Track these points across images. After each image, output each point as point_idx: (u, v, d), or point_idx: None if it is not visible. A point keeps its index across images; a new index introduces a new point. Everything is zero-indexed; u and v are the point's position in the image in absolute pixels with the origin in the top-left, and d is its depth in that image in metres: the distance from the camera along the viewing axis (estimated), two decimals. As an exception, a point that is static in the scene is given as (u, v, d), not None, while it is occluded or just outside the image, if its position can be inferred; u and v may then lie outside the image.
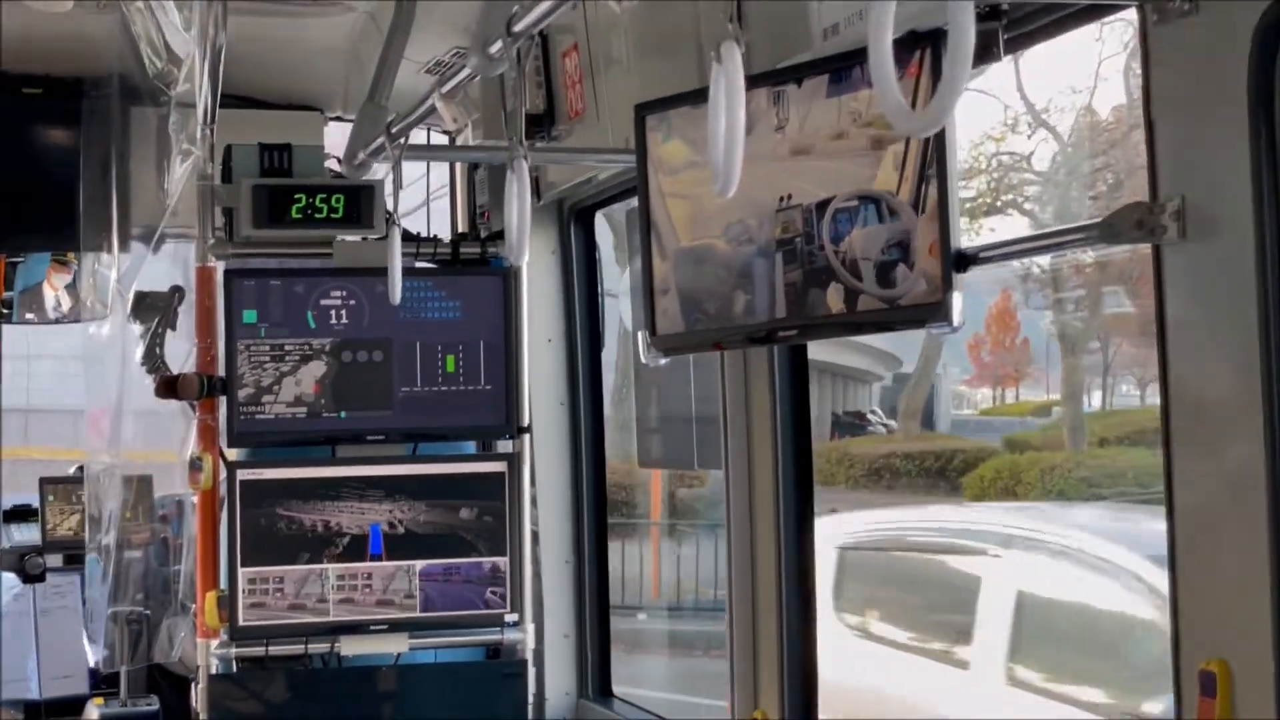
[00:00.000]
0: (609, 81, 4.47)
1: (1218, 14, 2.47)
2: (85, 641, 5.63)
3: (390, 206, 3.95)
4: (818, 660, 4.10)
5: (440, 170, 6.26)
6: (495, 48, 2.73)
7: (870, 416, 20.09)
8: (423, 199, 6.18)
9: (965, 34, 1.45)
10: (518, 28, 2.64)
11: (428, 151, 5.58)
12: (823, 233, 3.17)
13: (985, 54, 2.85)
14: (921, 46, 2.90)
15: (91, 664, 5.63)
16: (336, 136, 6.06)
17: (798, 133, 3.19)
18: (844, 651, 7.89)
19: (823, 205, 3.17)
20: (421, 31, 4.42)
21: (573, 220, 5.40)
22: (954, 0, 1.43)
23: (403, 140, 3.65)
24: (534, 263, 5.27)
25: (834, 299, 3.15)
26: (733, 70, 1.75)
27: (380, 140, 3.67)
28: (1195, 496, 2.59)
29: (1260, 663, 2.44)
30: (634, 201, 5.02)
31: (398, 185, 3.70)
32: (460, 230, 5.94)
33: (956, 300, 2.89)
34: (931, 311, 2.95)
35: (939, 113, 1.47)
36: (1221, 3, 2.46)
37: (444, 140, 5.84)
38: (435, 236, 5.26)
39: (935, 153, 2.92)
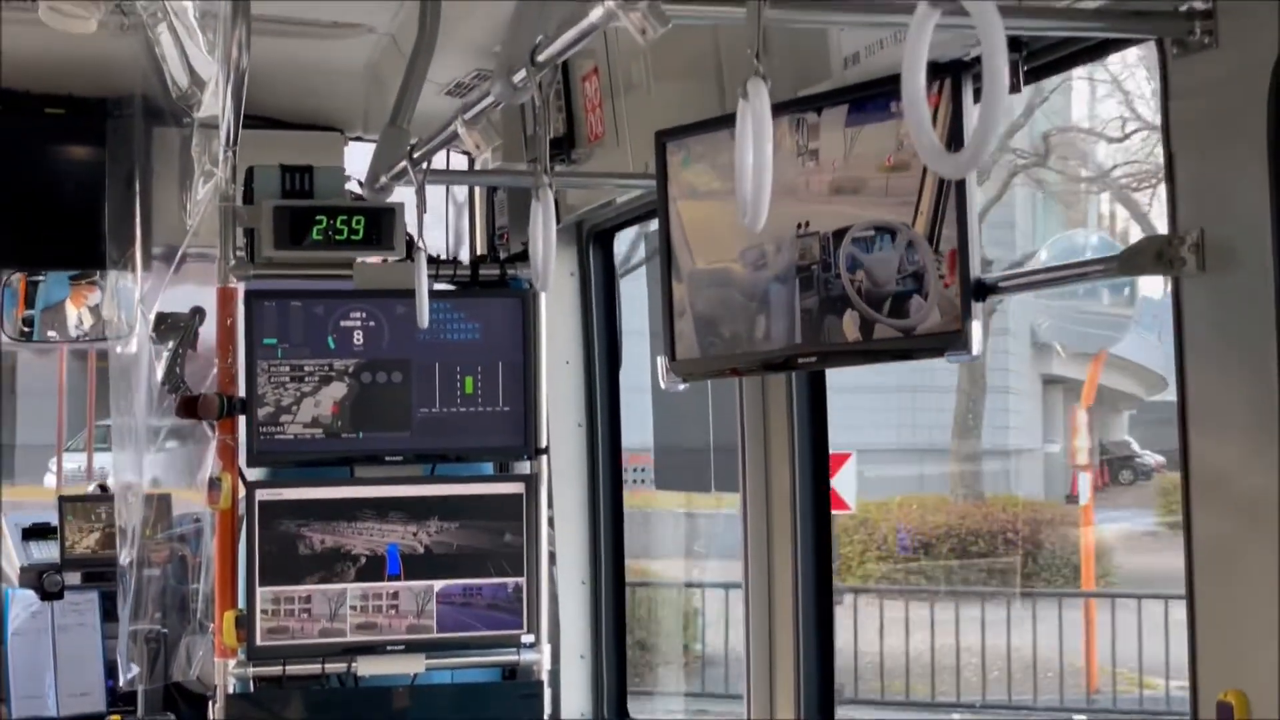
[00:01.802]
0: (629, 105, 4.49)
1: (1238, 47, 2.48)
2: (119, 660, 5.64)
3: (413, 229, 3.97)
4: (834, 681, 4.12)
5: (458, 191, 6.28)
6: (519, 76, 2.75)
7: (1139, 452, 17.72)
8: (438, 220, 6.21)
9: (999, 80, 1.47)
10: (541, 57, 2.65)
11: (451, 176, 5.59)
12: (839, 261, 3.19)
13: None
14: (940, 78, 2.92)
15: (124, 682, 5.65)
16: (356, 157, 6.09)
17: (816, 161, 3.21)
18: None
19: (840, 234, 3.19)
20: (442, 54, 4.44)
21: (592, 242, 5.42)
22: (991, 55, 1.44)
23: (425, 164, 3.66)
24: (553, 284, 5.28)
25: (850, 327, 3.17)
26: (760, 106, 1.77)
27: (403, 164, 3.69)
28: (1214, 527, 2.60)
29: (1277, 694, 2.45)
30: (653, 224, 5.06)
31: (421, 209, 3.72)
32: (479, 252, 5.96)
33: (976, 329, 2.91)
34: (950, 340, 2.97)
35: (974, 156, 1.49)
36: (1241, 36, 2.47)
37: (463, 161, 5.86)
38: (455, 259, 5.28)
39: (954, 184, 2.94)
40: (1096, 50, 2.96)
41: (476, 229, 6.08)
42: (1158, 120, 2.66)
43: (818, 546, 4.01)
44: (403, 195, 4.59)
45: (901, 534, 15.78)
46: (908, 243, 3.05)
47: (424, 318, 3.70)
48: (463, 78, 5.27)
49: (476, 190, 6.07)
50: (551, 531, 5.30)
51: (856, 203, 3.15)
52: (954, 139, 2.89)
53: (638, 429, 6.41)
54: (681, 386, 3.53)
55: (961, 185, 2.92)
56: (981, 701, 13.20)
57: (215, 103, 4.70)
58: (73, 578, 6.12)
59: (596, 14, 2.34)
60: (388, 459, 4.99)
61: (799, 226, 3.28)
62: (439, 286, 5.14)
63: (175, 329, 5.00)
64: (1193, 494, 2.62)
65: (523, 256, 5.25)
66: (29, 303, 6.30)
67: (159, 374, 5.01)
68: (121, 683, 5.77)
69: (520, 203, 5.43)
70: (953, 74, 2.89)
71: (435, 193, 5.95)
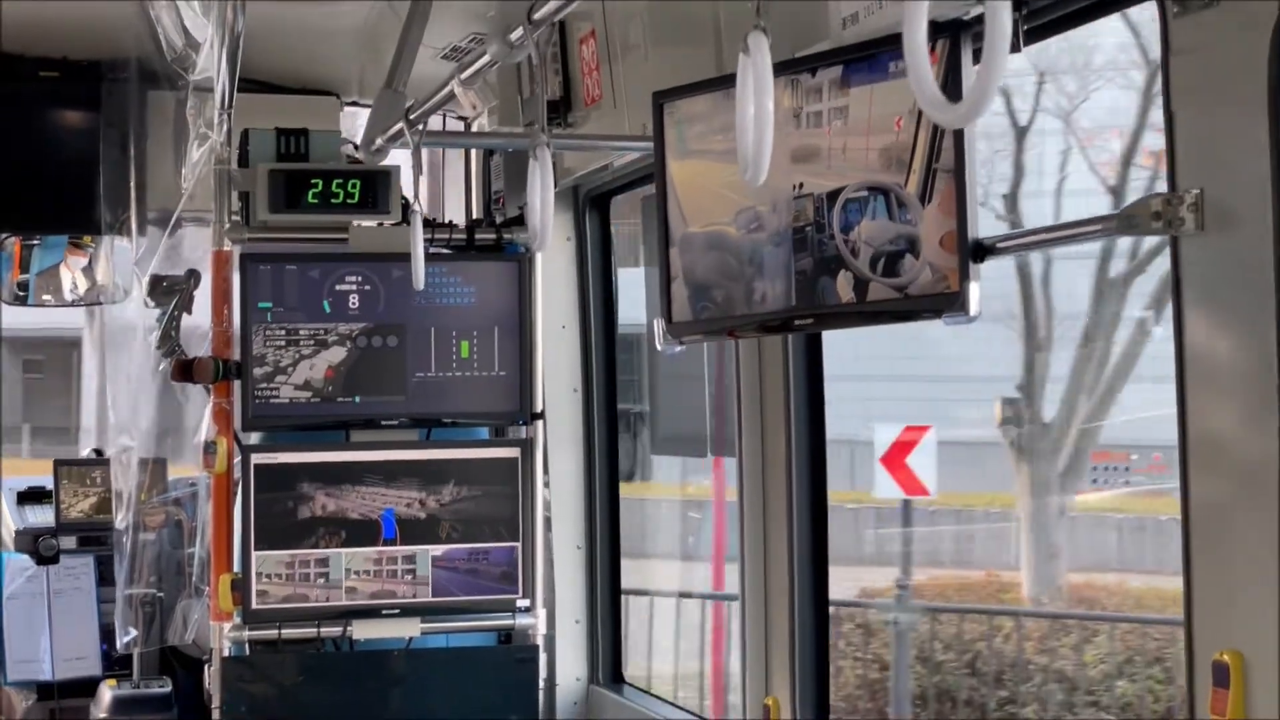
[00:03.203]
0: (626, 68, 4.47)
1: (1238, 7, 2.47)
2: (116, 623, 5.65)
3: (410, 192, 3.96)
4: (829, 649, 4.12)
5: (454, 155, 6.27)
6: (515, 35, 2.74)
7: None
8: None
9: (1002, 28, 1.46)
10: (538, 15, 2.64)
11: (447, 138, 5.58)
12: (833, 222, 3.18)
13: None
14: (939, 37, 2.90)
15: (121, 646, 5.66)
16: (350, 121, 6.08)
17: (813, 122, 3.20)
18: None
19: (834, 194, 3.18)
20: (438, 17, 4.41)
21: (588, 206, 5.40)
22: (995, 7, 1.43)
23: (422, 127, 3.65)
24: (549, 248, 5.27)
25: (844, 287, 3.17)
26: (760, 60, 1.76)
27: (399, 126, 3.68)
28: (1210, 488, 2.60)
29: (1274, 654, 2.45)
30: (649, 189, 5.04)
31: (417, 171, 3.71)
32: (475, 215, 5.95)
33: (974, 290, 2.90)
34: (948, 301, 2.96)
35: (976, 105, 1.48)
36: (1242, -5, 2.46)
37: (459, 125, 5.84)
38: (451, 222, 5.27)
39: (953, 143, 2.93)
40: (1096, 9, 2.94)
41: (472, 193, 6.07)
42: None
43: (814, 505, 4.01)
44: (398, 158, 4.59)
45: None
46: (900, 202, 3.05)
47: (420, 280, 3.69)
48: (459, 41, 5.25)
49: (472, 154, 6.06)
50: (547, 496, 5.30)
51: (851, 163, 3.14)
52: (952, 100, 2.88)
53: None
54: (678, 348, 3.53)
55: (960, 144, 2.91)
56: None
57: (210, 66, 4.69)
58: (68, 542, 6.13)
59: (594, -30, 2.33)
60: (383, 423, 4.99)
61: (794, 188, 3.27)
62: (435, 250, 5.13)
63: (170, 292, 4.98)
64: (1190, 455, 2.62)
65: (519, 220, 5.24)
66: (24, 267, 6.29)
67: (154, 337, 5.00)
68: (119, 647, 5.77)
69: (516, 167, 5.41)
70: (951, 34, 2.87)
71: (429, 156, 5.94)
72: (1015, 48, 2.81)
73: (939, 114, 1.53)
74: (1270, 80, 2.44)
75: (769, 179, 3.28)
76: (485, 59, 2.97)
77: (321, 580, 4.84)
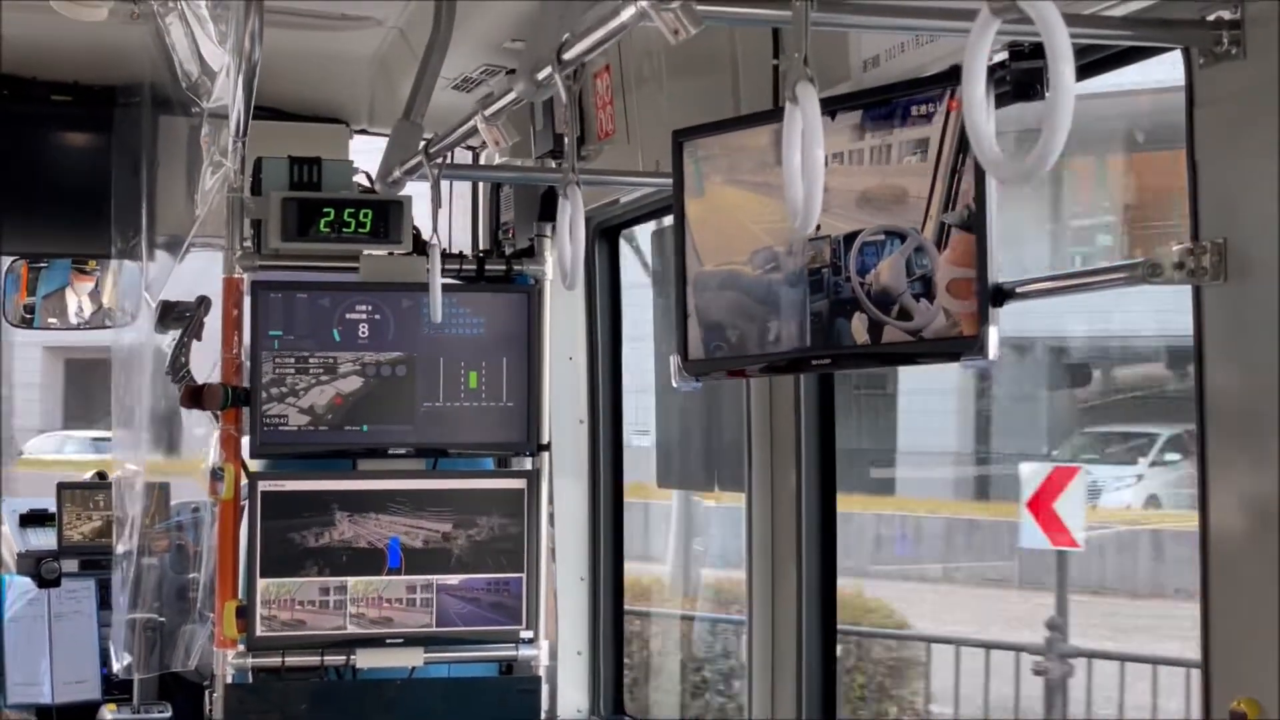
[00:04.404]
0: (640, 102, 4.50)
1: (1265, 58, 2.49)
2: (111, 649, 5.63)
3: (428, 225, 3.97)
4: (837, 684, 4.13)
5: (460, 185, 6.27)
6: (544, 74, 2.76)
7: None
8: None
9: (1066, 84, 1.48)
10: (568, 55, 2.66)
11: (468, 171, 5.59)
12: (849, 264, 3.20)
13: (1027, 92, 2.89)
14: (959, 82, 2.92)
15: (117, 670, 5.64)
16: (361, 149, 6.09)
17: (830, 164, 3.22)
18: None
19: (850, 237, 3.21)
20: (451, 48, 4.44)
21: (598, 239, 5.42)
22: (1056, 59, 1.45)
23: (441, 160, 3.67)
24: (557, 280, 5.29)
25: (859, 330, 3.19)
26: (810, 110, 1.78)
27: (418, 160, 3.70)
28: (1230, 535, 2.62)
29: (1293, 703, 2.46)
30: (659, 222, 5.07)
31: (436, 205, 3.72)
32: (483, 245, 5.96)
33: (993, 334, 2.92)
34: (966, 345, 2.99)
35: (1040, 162, 1.49)
36: (1269, 47, 2.48)
37: (466, 154, 5.86)
38: (461, 253, 5.28)
39: (972, 189, 2.95)
40: (1122, 58, 2.97)
41: (480, 224, 6.08)
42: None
43: (823, 551, 4.03)
44: (410, 189, 4.60)
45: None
46: (916, 247, 3.07)
47: (437, 312, 3.71)
48: (471, 72, 5.28)
49: (480, 185, 6.07)
50: (551, 529, 5.31)
51: (869, 207, 3.16)
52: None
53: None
54: (695, 385, 3.54)
55: (981, 190, 2.93)
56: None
57: (226, 94, 4.70)
58: (70, 565, 6.11)
59: (628, 13, 2.35)
60: (390, 452, 5.00)
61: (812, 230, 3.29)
62: (445, 280, 5.14)
63: (181, 318, 4.99)
64: (1210, 501, 2.64)
65: (528, 252, 5.26)
66: (30, 289, 6.29)
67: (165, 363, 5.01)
68: (114, 671, 5.76)
69: (525, 198, 5.43)
70: (975, 79, 2.89)
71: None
72: (1040, 95, 2.83)
73: (1000, 171, 1.54)
74: (1294, 132, 2.47)
75: (787, 219, 3.33)
76: (511, 96, 2.98)
77: (326, 608, 4.84)
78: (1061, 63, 1.47)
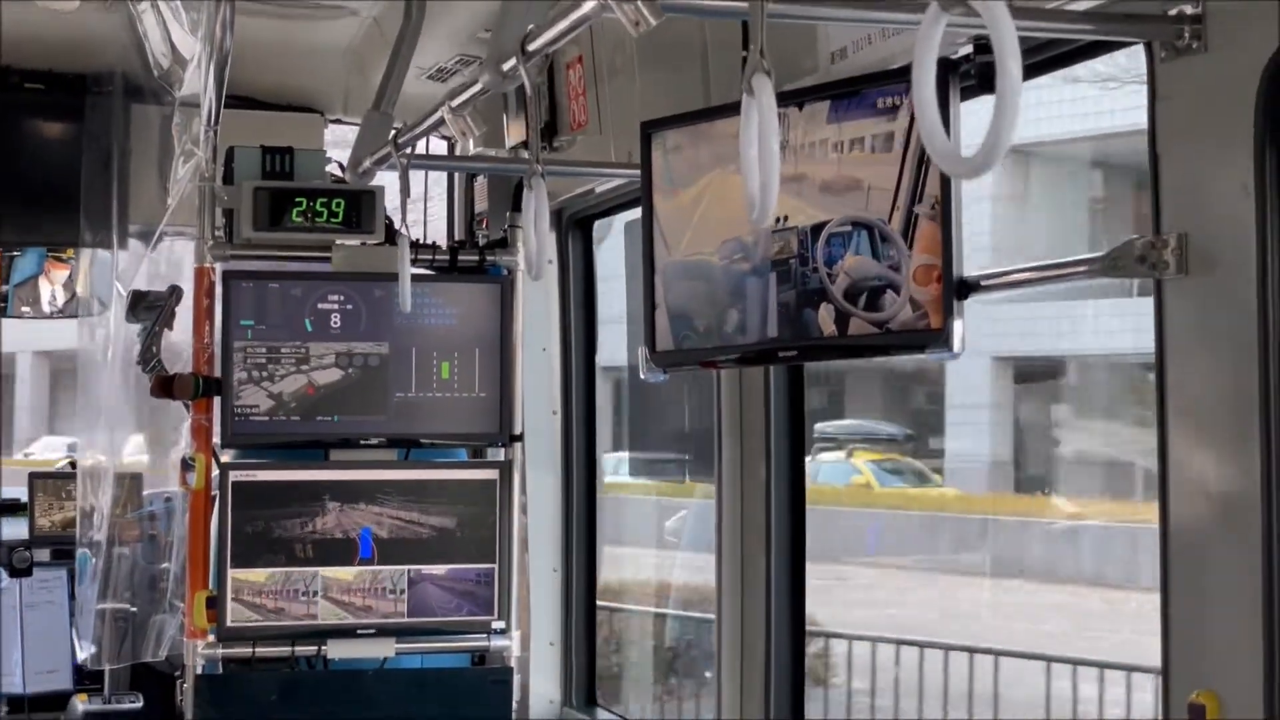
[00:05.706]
0: (612, 93, 4.49)
1: (1226, 52, 2.50)
2: (74, 637, 5.62)
3: (397, 215, 3.97)
4: (804, 675, 4.14)
5: (435, 176, 6.27)
6: (509, 65, 2.75)
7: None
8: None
9: (1013, 81, 1.48)
10: (532, 46, 2.66)
11: (437, 161, 5.58)
12: (817, 255, 3.21)
13: (989, 85, 2.89)
14: (930, 75, 2.92)
15: (80, 660, 5.63)
16: (337, 139, 6.08)
17: (797, 155, 3.22)
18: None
19: (818, 228, 3.21)
20: (425, 38, 4.44)
21: (571, 229, 5.42)
22: (1004, 56, 1.45)
23: (410, 150, 3.66)
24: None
25: (825, 321, 3.19)
26: (765, 103, 1.78)
27: (387, 149, 3.69)
28: (1190, 528, 2.62)
29: (1250, 696, 2.47)
30: (633, 214, 5.06)
31: (404, 194, 3.71)
32: (456, 235, 5.95)
33: (958, 327, 2.93)
34: (931, 337, 2.99)
35: (988, 158, 1.49)
36: (1230, 41, 2.49)
37: (442, 145, 5.85)
38: (434, 243, 5.27)
39: (938, 181, 2.95)
40: (1084, 52, 2.97)
41: (455, 213, 6.07)
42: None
43: (793, 541, 4.03)
44: (383, 177, 4.60)
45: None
46: (883, 238, 3.07)
47: (407, 302, 3.70)
48: (445, 63, 5.27)
49: (455, 176, 6.06)
50: (524, 519, 5.30)
51: (836, 198, 3.17)
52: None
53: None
54: (663, 377, 3.54)
55: (946, 183, 2.94)
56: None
57: (197, 82, 4.69)
58: (42, 554, 6.10)
59: (589, 5, 2.35)
60: (362, 443, 4.99)
61: (778, 220, 3.29)
62: (417, 271, 5.13)
63: (152, 308, 4.98)
64: (1170, 494, 2.65)
65: (501, 243, 5.25)
66: (4, 278, 6.27)
67: (135, 353, 4.99)
68: (78, 660, 5.75)
69: (499, 189, 5.42)
70: (942, 72, 2.89)
71: (415, 177, 5.94)
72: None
73: (952, 166, 1.54)
74: (1256, 125, 2.47)
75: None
76: (477, 88, 2.98)
77: (297, 598, 4.83)
78: (1009, 58, 1.47)
